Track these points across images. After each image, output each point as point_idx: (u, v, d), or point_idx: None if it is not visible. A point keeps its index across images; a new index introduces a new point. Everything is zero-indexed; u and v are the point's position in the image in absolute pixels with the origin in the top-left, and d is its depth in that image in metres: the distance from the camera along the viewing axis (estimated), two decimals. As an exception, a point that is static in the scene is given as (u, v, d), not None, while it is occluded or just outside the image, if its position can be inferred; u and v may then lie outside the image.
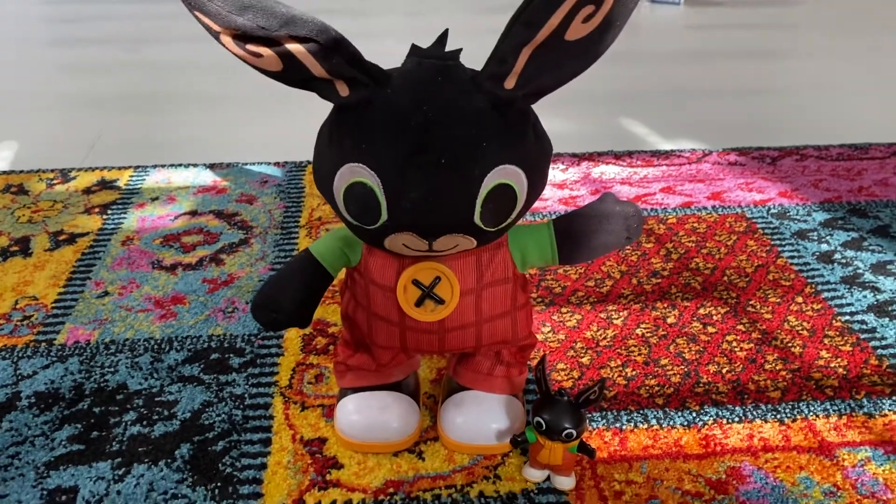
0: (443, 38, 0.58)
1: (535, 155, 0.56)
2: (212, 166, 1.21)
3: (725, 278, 0.92)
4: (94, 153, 1.29)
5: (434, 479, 0.65)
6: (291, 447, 0.68)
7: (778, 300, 0.88)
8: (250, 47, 0.51)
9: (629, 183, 1.15)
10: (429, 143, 0.52)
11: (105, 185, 1.16)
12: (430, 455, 0.67)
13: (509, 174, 0.53)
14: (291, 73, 0.52)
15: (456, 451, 0.67)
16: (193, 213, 1.07)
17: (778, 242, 1.00)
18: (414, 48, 0.57)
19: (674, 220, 1.05)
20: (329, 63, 0.51)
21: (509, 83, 0.53)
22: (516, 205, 0.55)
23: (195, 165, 1.22)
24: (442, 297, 0.60)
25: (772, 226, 1.03)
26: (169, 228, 1.04)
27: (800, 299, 0.88)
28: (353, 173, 0.53)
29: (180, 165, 1.22)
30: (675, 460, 0.67)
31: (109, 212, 1.08)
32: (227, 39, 0.50)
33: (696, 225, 1.03)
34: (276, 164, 1.22)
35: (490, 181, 0.53)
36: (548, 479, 0.65)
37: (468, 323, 0.62)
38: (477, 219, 0.54)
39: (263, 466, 0.66)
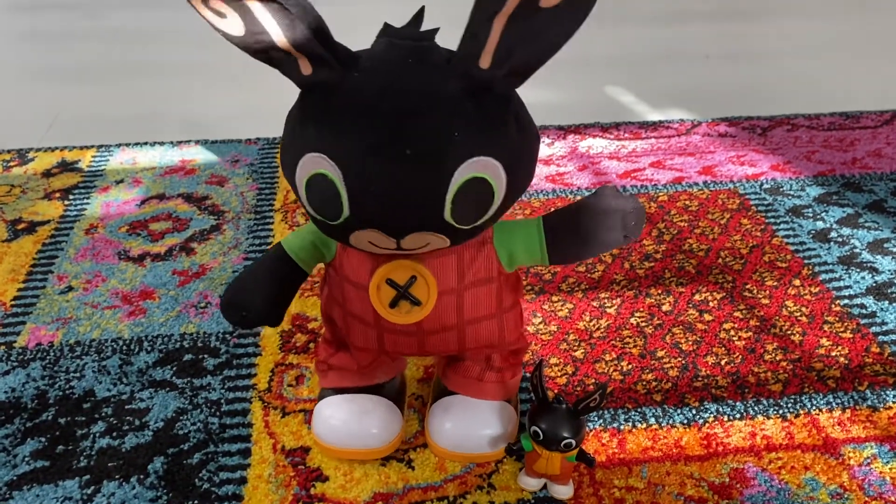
0: (418, 16, 0.53)
1: (517, 145, 0.51)
2: (178, 144, 1.15)
3: (720, 260, 0.89)
4: (52, 130, 1.22)
5: (425, 490, 0.62)
6: (272, 458, 0.64)
7: (775, 283, 0.85)
8: (213, 4, 0.46)
9: (617, 157, 1.11)
10: (395, 133, 0.47)
11: (66, 166, 1.09)
12: (420, 464, 0.64)
13: (484, 167, 0.48)
14: (253, 41, 0.48)
15: (446, 460, 0.64)
16: (161, 197, 1.01)
17: (772, 220, 0.96)
18: (386, 27, 0.52)
19: (665, 198, 1.01)
20: (292, 32, 0.46)
21: (484, 61, 0.47)
22: (493, 200, 0.50)
23: (161, 144, 1.15)
24: (418, 298, 0.56)
25: (765, 202, 1.00)
26: (135, 214, 0.98)
27: (797, 282, 0.85)
28: (314, 164, 0.48)
29: (146, 144, 1.15)
30: (676, 463, 0.64)
31: (71, 197, 1.02)
32: None
33: (687, 203, 1.00)
34: (248, 141, 1.16)
35: (461, 175, 0.48)
36: (544, 487, 0.61)
37: (449, 325, 0.58)
38: (448, 216, 0.49)
39: (243, 481, 0.62)
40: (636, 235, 0.57)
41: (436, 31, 0.50)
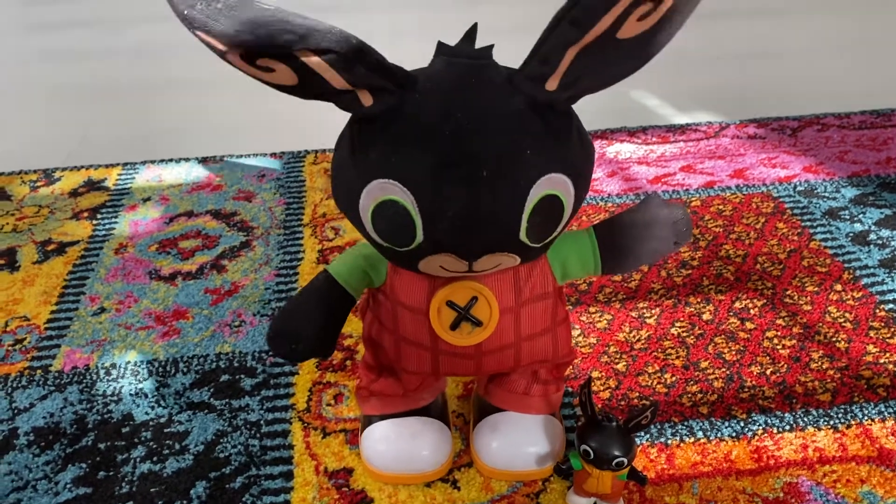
0: (471, 33, 0.52)
1: (581, 160, 0.50)
2: (204, 160, 1.15)
3: (758, 266, 0.87)
4: (78, 150, 1.22)
5: (472, 511, 0.61)
6: (315, 480, 0.63)
7: (816, 289, 0.83)
8: (261, 62, 0.44)
9: (646, 162, 1.09)
10: (465, 154, 0.46)
11: (92, 185, 1.09)
12: (466, 483, 0.63)
13: (556, 184, 0.48)
14: (309, 88, 0.46)
15: (493, 479, 0.63)
16: (189, 215, 1.01)
17: (809, 224, 0.95)
18: (441, 46, 0.51)
19: (698, 203, 0.99)
20: (351, 74, 0.45)
21: (551, 84, 0.47)
22: (563, 216, 0.50)
23: (186, 160, 1.15)
24: (480, 319, 0.55)
25: (800, 205, 0.98)
26: (164, 233, 0.97)
27: (839, 287, 0.84)
28: (382, 190, 0.47)
29: (171, 161, 1.15)
30: (727, 478, 0.63)
31: (99, 216, 1.01)
32: (234, 58, 0.44)
33: (721, 207, 0.98)
34: (273, 155, 1.15)
35: (536, 193, 0.47)
36: (594, 506, 0.60)
37: (507, 344, 0.57)
38: (523, 235, 0.48)
39: (287, 504, 0.62)
40: (686, 241, 0.57)
41: (492, 47, 0.49)
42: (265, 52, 0.43)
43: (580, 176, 0.50)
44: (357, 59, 0.44)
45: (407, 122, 0.47)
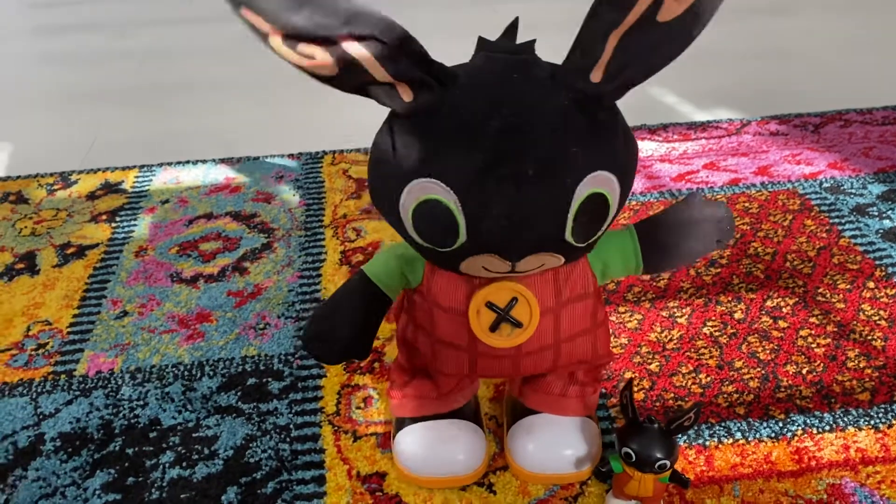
0: (513, 27, 0.51)
1: (626, 157, 0.49)
2: (222, 161, 1.14)
3: (788, 264, 0.86)
4: (93, 152, 1.21)
5: (510, 515, 0.60)
6: (348, 485, 0.62)
7: (848, 286, 0.82)
8: (302, 48, 0.43)
9: (669, 160, 1.08)
10: (510, 152, 0.45)
11: (110, 188, 1.08)
12: (502, 487, 0.62)
13: (602, 182, 0.47)
14: (348, 78, 0.45)
15: (529, 482, 0.62)
16: (209, 217, 1.00)
17: (837, 220, 0.93)
18: (482, 41, 0.50)
19: (723, 201, 0.98)
20: (393, 65, 0.44)
21: (596, 76, 0.45)
22: (608, 215, 0.48)
23: (204, 161, 1.14)
24: (520, 320, 0.53)
25: (827, 202, 0.97)
26: (184, 235, 0.96)
27: (871, 284, 0.82)
28: (423, 190, 0.46)
29: (188, 162, 1.14)
30: (768, 479, 0.61)
31: (118, 219, 1.01)
32: (275, 41, 0.43)
33: (747, 205, 0.97)
34: (291, 156, 1.14)
35: (582, 191, 0.46)
36: (634, 509, 0.59)
37: (546, 345, 0.56)
38: (568, 235, 0.47)
39: (321, 510, 0.60)
40: (729, 240, 0.55)
41: (534, 42, 0.48)
42: (308, 33, 0.41)
43: (626, 173, 0.49)
44: (400, 49, 0.43)
45: (448, 119, 0.46)
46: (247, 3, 0.41)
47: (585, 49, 0.45)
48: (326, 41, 0.42)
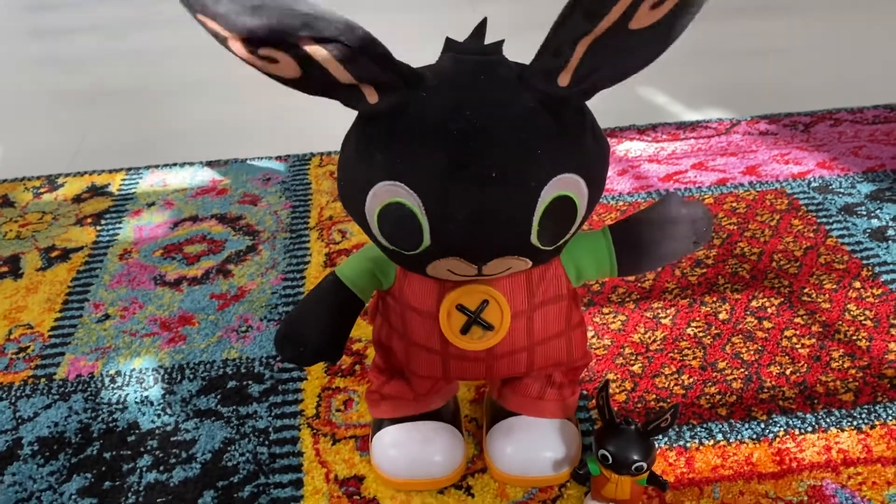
0: (481, 28, 0.50)
1: (595, 159, 0.48)
2: (209, 164, 1.13)
3: (774, 264, 0.86)
4: (80, 155, 1.21)
5: (487, 518, 0.59)
6: (326, 488, 0.62)
7: (834, 286, 0.82)
8: (264, 52, 0.43)
9: (657, 160, 1.08)
10: (474, 154, 0.44)
11: (96, 191, 1.08)
12: (480, 490, 0.61)
13: (568, 184, 0.46)
14: (312, 80, 0.44)
15: (508, 485, 0.61)
16: (194, 219, 1.00)
17: (825, 220, 0.93)
18: (449, 42, 0.49)
19: (711, 200, 0.97)
20: (356, 67, 0.43)
21: (563, 79, 0.45)
22: (576, 218, 0.48)
23: (191, 164, 1.13)
24: (491, 323, 0.53)
25: (815, 201, 0.96)
26: (169, 238, 0.96)
27: (857, 284, 0.82)
28: (388, 192, 0.46)
29: (175, 165, 1.13)
30: (748, 481, 0.61)
31: (103, 222, 1.00)
32: (235, 45, 0.42)
33: (734, 205, 0.96)
34: (278, 158, 1.14)
35: (548, 194, 0.45)
36: (613, 512, 0.58)
37: (519, 348, 0.55)
38: (534, 238, 0.46)
39: (297, 513, 0.60)
40: (706, 241, 0.55)
41: (502, 43, 0.48)
42: (267, 37, 0.41)
43: (594, 176, 0.48)
44: (362, 51, 0.42)
45: (413, 120, 0.45)
46: (202, 9, 0.41)
47: (554, 52, 0.44)
48: (286, 45, 0.42)
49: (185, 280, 0.88)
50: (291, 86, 0.45)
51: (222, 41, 0.42)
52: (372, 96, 0.46)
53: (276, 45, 0.42)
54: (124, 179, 1.11)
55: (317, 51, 0.42)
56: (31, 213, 1.03)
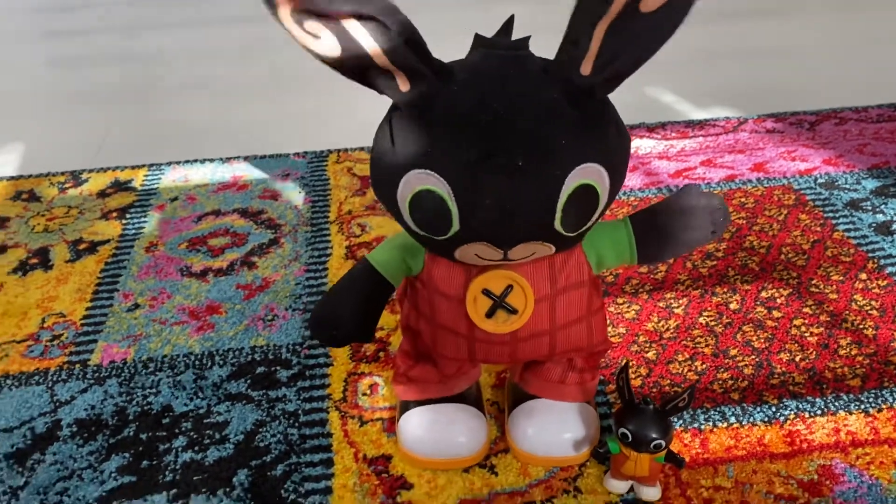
0: (508, 25, 0.53)
1: (617, 150, 0.51)
2: (229, 160, 1.16)
3: (783, 257, 0.88)
4: (103, 152, 1.24)
5: (511, 495, 0.62)
6: (355, 467, 0.65)
7: (841, 278, 0.84)
8: (309, 25, 0.46)
9: (667, 157, 1.10)
10: (501, 144, 0.47)
11: (120, 186, 1.11)
12: (503, 469, 0.64)
13: (591, 173, 0.49)
14: (351, 61, 0.47)
15: (530, 464, 0.64)
16: (217, 213, 1.02)
17: (831, 215, 0.95)
18: (478, 38, 0.52)
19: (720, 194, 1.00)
20: (392, 51, 0.46)
21: (586, 68, 0.47)
22: (598, 206, 0.51)
23: (211, 160, 1.16)
24: (515, 307, 0.56)
25: (822, 197, 0.99)
26: (193, 231, 0.99)
27: (863, 276, 0.84)
28: (419, 180, 0.48)
29: (196, 161, 1.16)
30: (761, 461, 0.64)
31: (128, 216, 1.03)
32: (285, 13, 0.45)
33: (743, 200, 0.99)
34: (297, 154, 1.17)
35: (571, 182, 0.48)
36: (631, 489, 0.61)
37: (542, 331, 0.58)
38: (558, 225, 0.49)
39: (329, 490, 0.63)
40: (723, 231, 0.57)
41: (528, 38, 0.50)
42: (314, 6, 0.44)
43: (615, 166, 0.51)
44: (400, 35, 0.45)
45: (444, 112, 0.48)
46: None
47: (574, 42, 0.47)
48: (330, 17, 0.45)
49: (210, 271, 0.91)
50: (330, 65, 0.48)
51: (272, 7, 0.45)
52: (404, 84, 0.48)
53: (322, 16, 0.45)
54: (147, 175, 1.13)
55: (356, 27, 0.45)
56: (57, 207, 1.06)
